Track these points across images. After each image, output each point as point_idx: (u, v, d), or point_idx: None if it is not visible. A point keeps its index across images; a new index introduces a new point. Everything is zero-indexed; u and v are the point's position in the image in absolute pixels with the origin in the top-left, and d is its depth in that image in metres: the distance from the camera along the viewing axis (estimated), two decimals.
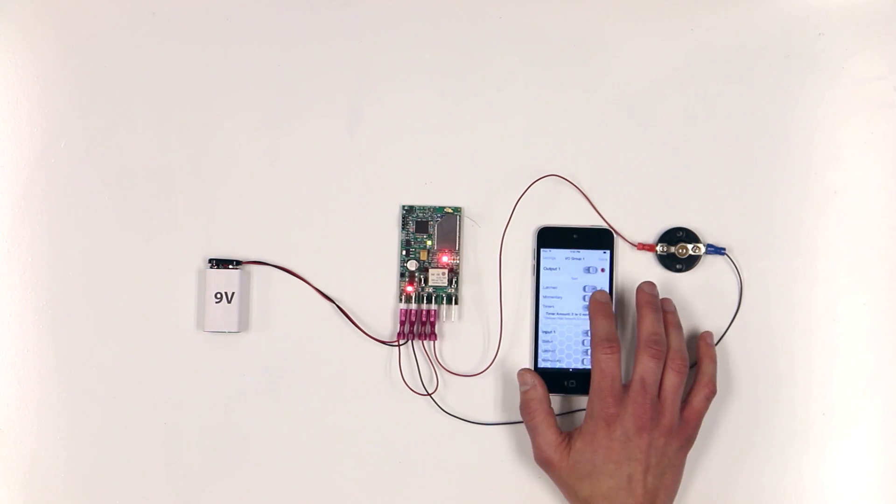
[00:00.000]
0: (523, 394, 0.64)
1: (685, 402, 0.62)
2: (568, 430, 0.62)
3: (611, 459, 0.60)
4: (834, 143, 0.68)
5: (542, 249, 0.66)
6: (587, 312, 0.65)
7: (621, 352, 0.62)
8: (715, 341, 0.66)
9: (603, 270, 0.66)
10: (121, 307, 0.67)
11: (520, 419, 0.66)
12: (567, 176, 0.67)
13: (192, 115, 0.68)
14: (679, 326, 0.64)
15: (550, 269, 0.66)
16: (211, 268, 0.66)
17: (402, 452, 0.67)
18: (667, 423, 0.61)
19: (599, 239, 0.66)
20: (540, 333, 0.65)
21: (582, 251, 0.66)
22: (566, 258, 0.66)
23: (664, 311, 0.65)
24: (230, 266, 0.66)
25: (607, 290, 0.66)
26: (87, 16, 0.68)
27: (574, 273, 0.66)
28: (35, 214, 0.67)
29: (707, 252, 0.66)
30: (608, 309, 0.64)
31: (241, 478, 0.67)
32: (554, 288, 0.66)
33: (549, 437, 0.62)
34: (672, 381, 0.62)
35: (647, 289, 0.65)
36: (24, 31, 0.68)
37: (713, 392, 0.63)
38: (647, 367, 0.61)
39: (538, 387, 0.64)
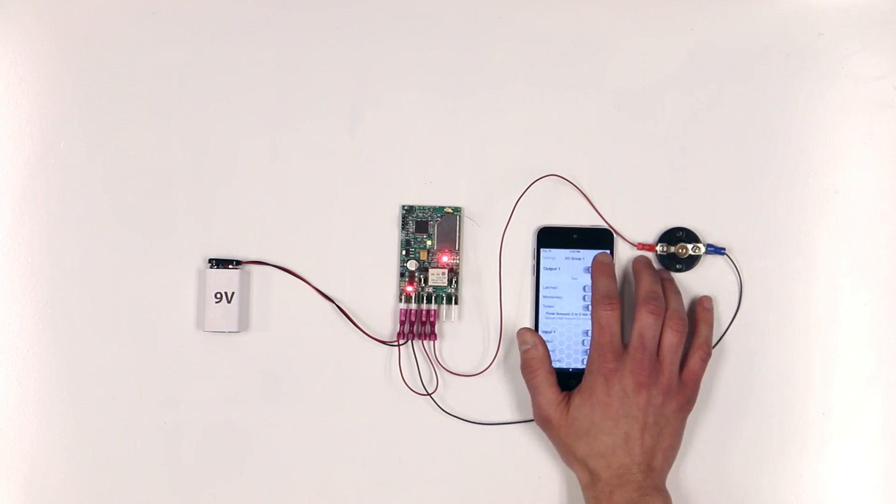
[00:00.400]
0: (524, 353, 0.64)
1: (682, 365, 0.63)
2: (568, 391, 0.63)
3: (608, 416, 0.60)
4: (834, 143, 0.68)
5: (541, 249, 0.66)
6: (587, 312, 0.65)
7: (622, 311, 0.62)
8: (715, 341, 0.66)
9: None
10: (121, 307, 0.67)
11: (520, 419, 0.66)
12: (567, 176, 0.67)
13: (192, 115, 0.68)
14: (677, 291, 0.65)
15: (550, 269, 0.66)
16: (211, 268, 0.66)
17: (402, 452, 0.67)
18: (665, 382, 0.61)
19: (599, 239, 0.66)
20: (540, 334, 0.65)
21: (582, 251, 0.66)
22: (566, 258, 0.66)
23: (662, 277, 0.65)
24: (230, 266, 0.66)
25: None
26: (87, 15, 0.68)
27: (574, 273, 0.66)
28: (35, 214, 0.67)
29: (707, 252, 0.66)
30: (610, 269, 0.64)
31: (241, 478, 0.67)
32: (554, 288, 0.66)
33: (550, 395, 0.62)
34: (670, 339, 0.62)
35: (642, 258, 0.66)
36: (24, 31, 0.68)
37: (708, 354, 0.63)
38: (645, 322, 0.61)
39: (539, 345, 0.64)
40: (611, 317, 0.62)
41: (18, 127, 0.67)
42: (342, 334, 0.67)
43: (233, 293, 0.65)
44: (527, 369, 0.64)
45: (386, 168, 0.68)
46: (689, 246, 0.66)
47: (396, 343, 0.66)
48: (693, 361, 0.63)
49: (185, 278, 0.67)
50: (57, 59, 0.68)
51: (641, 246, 0.66)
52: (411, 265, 0.67)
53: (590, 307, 0.65)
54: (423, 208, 0.67)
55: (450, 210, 0.67)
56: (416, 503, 0.67)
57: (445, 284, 0.67)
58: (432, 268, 0.67)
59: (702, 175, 0.68)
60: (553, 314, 0.66)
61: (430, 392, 0.67)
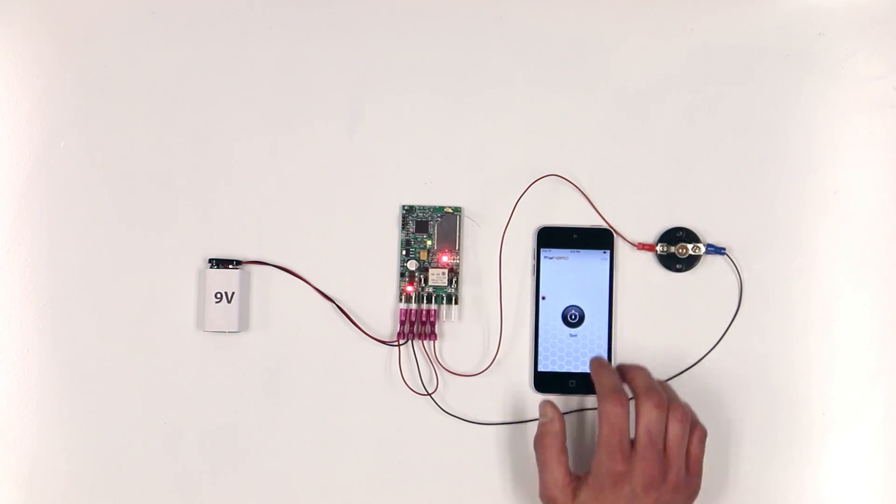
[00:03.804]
0: (541, 426, 0.62)
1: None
2: (577, 473, 0.61)
3: None
4: (834, 143, 0.68)
5: (542, 249, 0.66)
6: (587, 314, 0.65)
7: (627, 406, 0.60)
8: (715, 342, 0.66)
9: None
10: (121, 307, 0.67)
11: (520, 419, 0.66)
12: (567, 176, 0.67)
13: (192, 115, 0.68)
14: (662, 383, 0.63)
15: (550, 269, 0.66)
16: (211, 268, 0.66)
17: (402, 452, 0.67)
18: (674, 479, 0.59)
19: (599, 239, 0.66)
20: (540, 335, 0.65)
21: (582, 251, 0.66)
22: (567, 258, 0.66)
23: (639, 368, 0.63)
24: (230, 266, 0.66)
25: (607, 288, 0.66)
26: (87, 16, 0.68)
27: (574, 273, 0.66)
28: (35, 214, 0.67)
29: (707, 252, 0.66)
30: (610, 366, 0.63)
31: (241, 477, 0.67)
32: (554, 288, 0.66)
33: (559, 475, 0.60)
34: (676, 431, 0.59)
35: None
36: (25, 31, 0.68)
37: (704, 432, 0.61)
38: (651, 418, 0.59)
39: (556, 422, 0.62)
40: (621, 414, 0.59)
41: (18, 127, 0.67)
42: (342, 334, 0.67)
43: (233, 293, 0.66)
44: (540, 443, 0.62)
45: (386, 168, 0.68)
46: (689, 246, 0.66)
47: (396, 343, 0.66)
48: (694, 447, 0.61)
49: (185, 278, 0.67)
50: (57, 59, 0.68)
51: (641, 246, 0.66)
52: (411, 265, 0.67)
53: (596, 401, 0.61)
54: (423, 208, 0.67)
55: (450, 210, 0.67)
56: (416, 503, 0.67)
57: (445, 284, 0.67)
58: (432, 268, 0.67)
59: (702, 175, 0.68)
60: (552, 315, 0.66)
61: (430, 392, 0.67)
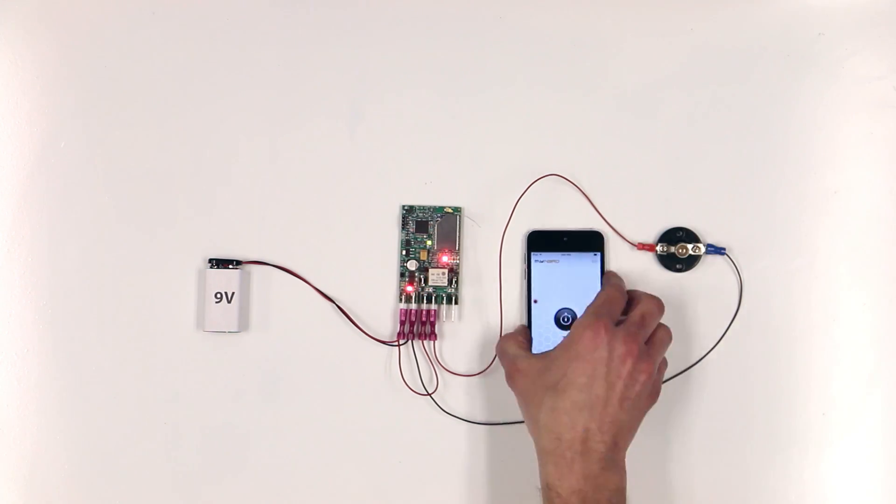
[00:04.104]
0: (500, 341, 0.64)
1: None
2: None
3: (584, 373, 0.56)
4: (834, 143, 0.68)
5: (532, 253, 0.66)
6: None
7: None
8: (715, 342, 0.66)
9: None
10: (121, 307, 0.67)
11: (520, 419, 0.66)
12: (567, 176, 0.67)
13: (192, 115, 0.68)
14: None
15: (541, 272, 0.66)
16: (211, 268, 0.66)
17: (403, 452, 0.67)
18: (649, 366, 0.57)
19: (589, 241, 0.66)
20: (534, 339, 0.65)
21: (573, 254, 0.66)
22: (557, 262, 0.66)
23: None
24: (230, 266, 0.66)
25: (598, 290, 0.65)
26: (87, 16, 0.68)
27: (565, 276, 0.66)
28: (35, 214, 0.67)
29: (707, 252, 0.66)
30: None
31: (241, 477, 0.67)
32: (545, 291, 0.66)
33: (520, 351, 0.61)
34: (663, 336, 0.60)
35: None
36: (25, 31, 0.68)
37: (666, 363, 0.61)
38: (650, 308, 0.60)
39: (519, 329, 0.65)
40: (620, 289, 0.60)
41: (18, 127, 0.67)
42: (342, 334, 0.67)
43: (233, 293, 0.66)
44: (501, 342, 0.63)
45: (386, 168, 0.68)
46: (689, 246, 0.66)
47: (396, 343, 0.66)
48: (658, 342, 0.60)
49: (185, 278, 0.67)
50: (57, 59, 0.68)
51: (641, 246, 0.66)
52: (411, 265, 0.67)
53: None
54: (423, 208, 0.67)
55: (450, 210, 0.67)
56: (416, 503, 0.67)
57: (445, 284, 0.67)
58: (432, 268, 0.67)
59: (702, 175, 0.68)
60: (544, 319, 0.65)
61: (430, 392, 0.67)
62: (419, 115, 0.68)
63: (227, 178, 0.67)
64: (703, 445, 0.67)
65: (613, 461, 0.56)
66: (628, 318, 0.59)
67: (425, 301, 0.67)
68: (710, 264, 0.67)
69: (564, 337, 0.59)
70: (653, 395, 0.60)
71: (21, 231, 0.67)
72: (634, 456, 0.67)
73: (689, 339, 0.67)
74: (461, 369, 0.67)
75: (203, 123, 0.68)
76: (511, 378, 0.61)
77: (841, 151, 0.68)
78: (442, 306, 0.67)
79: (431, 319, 0.67)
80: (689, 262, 0.67)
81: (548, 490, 0.56)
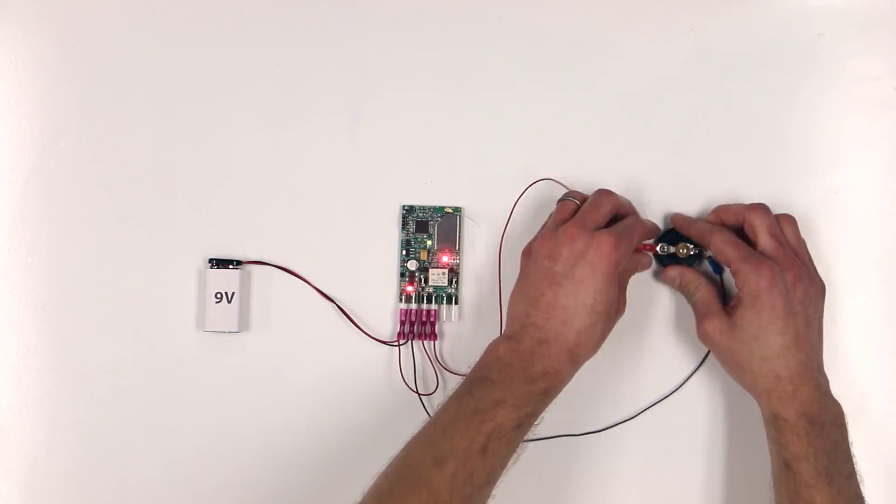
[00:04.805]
0: (689, 293, 0.65)
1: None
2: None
3: (776, 317, 0.59)
4: (834, 143, 0.68)
5: None
6: None
7: None
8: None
9: None
10: (121, 307, 0.67)
11: None
12: (567, 175, 0.67)
13: (192, 115, 0.68)
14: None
15: None
16: (211, 268, 0.66)
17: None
18: (810, 272, 0.61)
19: None
20: None
21: None
22: None
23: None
24: (230, 266, 0.66)
25: None
26: (87, 16, 0.68)
27: None
28: (35, 214, 0.67)
29: (710, 264, 0.66)
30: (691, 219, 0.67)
31: (241, 477, 0.67)
32: None
33: (716, 307, 0.62)
34: (791, 232, 0.63)
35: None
36: (25, 31, 0.68)
37: (791, 217, 0.63)
38: (767, 221, 0.62)
39: (700, 279, 0.65)
40: (731, 235, 0.62)
41: (18, 127, 0.67)
42: (342, 334, 0.67)
43: (233, 293, 0.66)
44: (696, 299, 0.64)
45: (386, 168, 0.68)
46: (691, 246, 0.66)
47: (396, 343, 0.66)
48: (791, 236, 0.63)
49: (185, 278, 0.67)
50: (57, 59, 0.68)
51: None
52: (411, 265, 0.67)
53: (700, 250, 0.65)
54: (423, 208, 0.67)
55: (450, 210, 0.67)
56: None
57: (445, 284, 0.67)
58: (432, 268, 0.67)
59: (701, 175, 0.68)
60: None
61: (430, 392, 0.67)
62: (419, 115, 0.68)
63: (227, 178, 0.67)
64: (702, 445, 0.67)
65: (825, 385, 0.60)
66: (765, 247, 0.61)
67: (425, 301, 0.67)
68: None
69: (740, 292, 0.60)
70: (822, 293, 0.62)
71: (21, 231, 0.67)
72: (635, 455, 0.67)
73: (689, 340, 0.67)
74: (461, 369, 0.67)
75: (203, 123, 0.68)
76: (707, 337, 0.63)
77: (841, 151, 0.68)
78: (442, 306, 0.67)
79: (431, 319, 0.67)
80: (689, 262, 0.67)
81: (775, 419, 0.59)
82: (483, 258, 0.67)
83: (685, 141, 0.68)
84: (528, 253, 0.62)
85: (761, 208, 0.62)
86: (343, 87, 0.68)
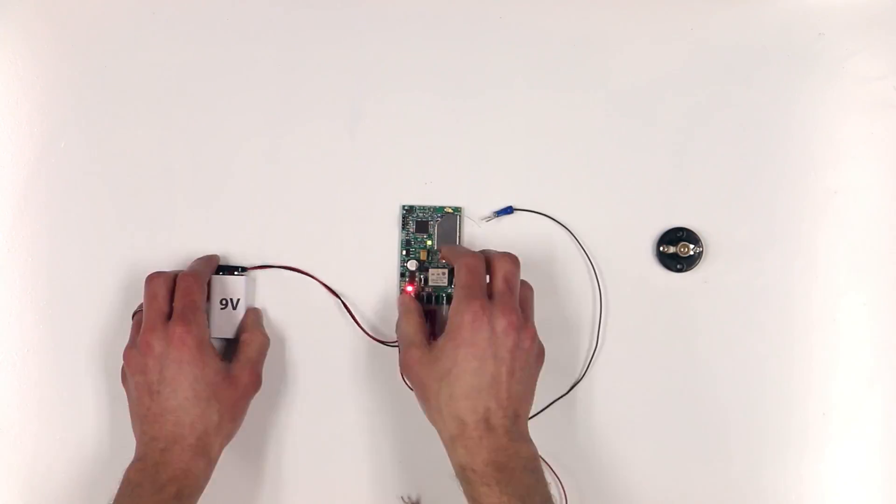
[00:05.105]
0: (400, 314, 0.64)
1: None
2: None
3: (474, 356, 0.56)
4: (834, 143, 0.68)
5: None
6: None
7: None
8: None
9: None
10: (121, 309, 0.67)
11: None
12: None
13: (192, 115, 0.68)
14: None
15: None
16: (216, 274, 0.66)
17: (402, 452, 0.67)
18: (531, 329, 0.58)
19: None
20: None
21: None
22: None
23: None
24: (236, 272, 0.66)
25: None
26: (87, 16, 0.68)
27: None
28: (35, 214, 0.67)
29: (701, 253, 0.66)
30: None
31: (241, 478, 0.67)
32: None
33: (414, 334, 0.61)
34: (528, 294, 0.61)
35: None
36: (25, 31, 0.68)
37: (527, 283, 0.61)
38: (507, 268, 0.59)
39: (412, 302, 0.64)
40: (478, 261, 0.59)
41: (18, 127, 0.67)
42: (342, 334, 0.67)
43: (238, 300, 0.66)
44: (400, 322, 0.63)
45: (386, 168, 0.68)
46: (691, 246, 0.66)
47: (397, 344, 0.66)
48: (522, 290, 0.61)
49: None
50: (57, 59, 0.68)
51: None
52: (411, 265, 0.67)
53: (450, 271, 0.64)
54: (423, 208, 0.67)
55: (450, 210, 0.67)
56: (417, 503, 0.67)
57: (445, 284, 0.67)
58: (432, 268, 0.67)
59: (702, 175, 0.68)
60: None
61: None
62: (419, 116, 0.68)
63: (227, 179, 0.67)
64: (702, 445, 0.67)
65: (519, 432, 0.57)
66: (494, 287, 0.59)
67: (425, 301, 0.67)
68: (710, 264, 0.67)
69: (448, 325, 0.58)
70: (540, 356, 0.60)
71: (21, 231, 0.67)
72: (636, 455, 0.67)
73: (690, 340, 0.67)
74: None
75: (203, 124, 0.68)
76: (407, 368, 0.61)
77: (841, 151, 0.68)
78: (442, 306, 0.67)
79: (431, 319, 0.66)
80: (689, 262, 0.67)
81: (462, 470, 0.56)
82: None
83: (685, 141, 0.68)
84: (123, 377, 0.62)
85: (510, 257, 0.60)
86: (343, 88, 0.68)
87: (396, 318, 0.65)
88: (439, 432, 0.59)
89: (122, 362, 0.62)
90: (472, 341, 0.57)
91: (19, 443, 0.67)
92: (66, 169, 0.67)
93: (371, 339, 0.66)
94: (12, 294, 0.67)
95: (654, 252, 0.67)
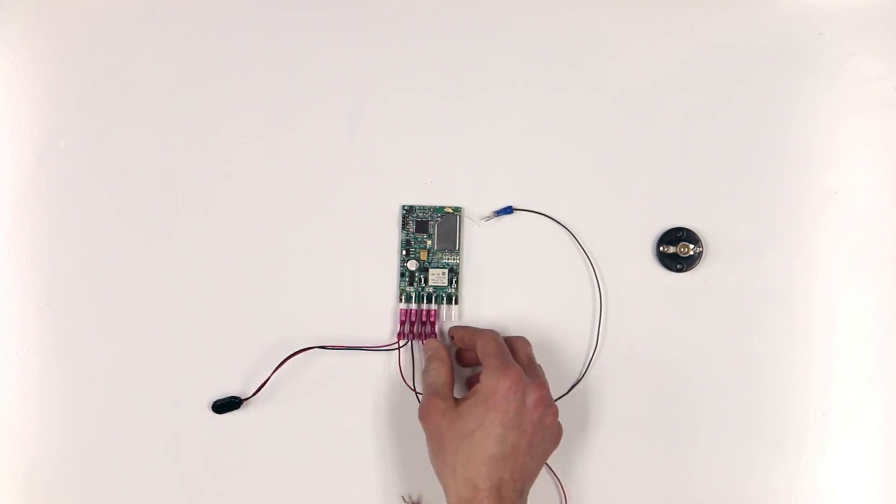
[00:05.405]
0: (428, 357, 0.64)
1: None
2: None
3: (501, 423, 0.56)
4: (834, 143, 0.68)
5: None
6: None
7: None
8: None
9: None
10: (121, 307, 0.67)
11: None
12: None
13: (192, 115, 0.68)
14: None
15: None
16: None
17: (402, 452, 0.67)
18: (555, 408, 0.60)
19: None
20: None
21: None
22: None
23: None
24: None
25: None
26: (87, 16, 0.68)
27: None
28: (35, 214, 0.67)
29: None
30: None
31: (241, 478, 0.67)
32: None
33: (445, 387, 0.61)
34: (543, 374, 0.62)
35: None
36: (24, 31, 0.68)
37: (529, 343, 0.63)
38: (527, 348, 0.62)
39: (442, 350, 0.64)
40: (500, 338, 0.61)
41: (18, 127, 0.67)
42: (343, 335, 0.67)
43: None
44: (427, 369, 0.63)
45: (386, 168, 0.68)
46: (691, 246, 0.66)
47: (397, 346, 0.66)
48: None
49: (185, 278, 0.67)
50: (57, 58, 0.68)
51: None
52: (411, 265, 0.67)
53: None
54: (423, 208, 0.67)
55: (450, 210, 0.67)
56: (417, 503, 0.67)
57: (445, 284, 0.67)
58: (432, 268, 0.67)
59: (702, 175, 0.68)
60: None
61: None
62: (419, 115, 0.68)
63: (227, 178, 0.67)
64: (702, 445, 0.67)
65: None
66: (520, 363, 0.60)
67: (425, 301, 0.67)
68: (710, 264, 0.67)
69: (479, 385, 0.59)
70: (558, 437, 0.61)
71: (21, 231, 0.67)
72: (636, 454, 0.67)
73: (690, 340, 0.67)
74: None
75: (203, 123, 0.68)
76: (427, 417, 0.60)
77: (841, 151, 0.68)
78: (442, 306, 0.67)
79: (431, 319, 0.67)
80: (689, 262, 0.67)
81: None
82: (483, 258, 0.67)
83: (685, 141, 0.68)
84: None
85: (525, 339, 0.63)
86: (343, 88, 0.68)
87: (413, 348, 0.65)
88: (446, 489, 0.58)
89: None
90: (504, 409, 0.57)
91: (19, 443, 0.67)
92: (66, 169, 0.67)
93: (370, 348, 0.66)
94: (12, 294, 0.67)
95: (654, 252, 0.67)
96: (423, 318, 0.67)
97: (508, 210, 0.66)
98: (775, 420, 0.67)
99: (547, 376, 0.61)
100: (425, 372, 0.63)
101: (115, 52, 0.68)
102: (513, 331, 0.66)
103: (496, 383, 0.58)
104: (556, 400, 0.67)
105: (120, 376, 0.67)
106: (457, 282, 0.67)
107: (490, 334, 0.62)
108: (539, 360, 0.63)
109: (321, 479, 0.67)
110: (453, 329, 0.65)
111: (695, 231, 0.67)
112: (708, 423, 0.67)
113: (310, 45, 0.68)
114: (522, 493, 0.57)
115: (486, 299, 0.67)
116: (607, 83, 0.68)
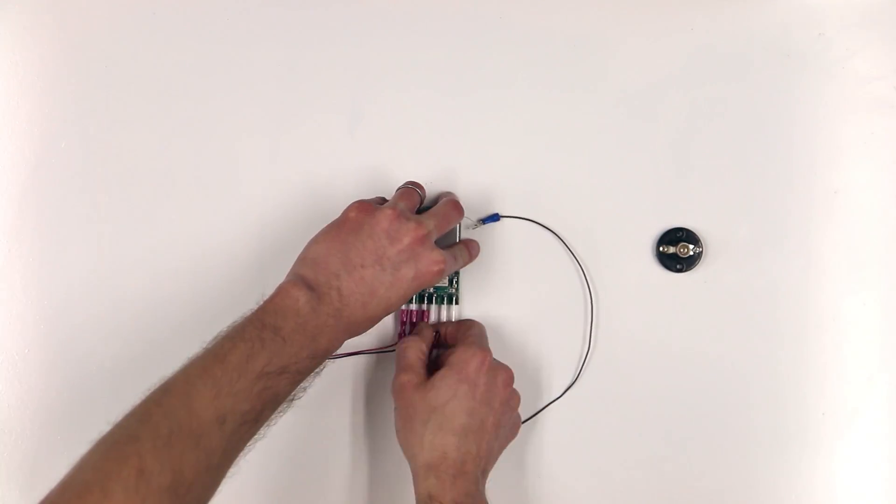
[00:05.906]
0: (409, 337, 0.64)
1: None
2: None
3: (473, 397, 0.58)
4: (834, 143, 0.68)
5: None
6: None
7: None
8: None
9: None
10: (121, 307, 0.67)
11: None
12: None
13: (192, 115, 0.68)
14: None
15: None
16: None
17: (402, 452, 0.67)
18: (518, 395, 0.62)
19: None
20: None
21: None
22: None
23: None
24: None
25: None
26: (88, 16, 0.68)
27: None
28: (35, 214, 0.67)
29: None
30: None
31: (240, 478, 0.67)
32: None
33: (418, 363, 0.61)
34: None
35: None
36: (24, 31, 0.68)
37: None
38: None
39: (426, 330, 0.64)
40: (484, 329, 0.64)
41: (18, 127, 0.67)
42: None
43: None
44: (405, 344, 0.62)
45: (386, 168, 0.68)
46: (691, 246, 0.66)
47: (395, 348, 0.66)
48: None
49: (185, 278, 0.67)
50: (57, 59, 0.68)
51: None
52: None
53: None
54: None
55: None
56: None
57: (445, 284, 0.67)
58: None
59: (702, 175, 0.68)
60: None
61: None
62: (419, 115, 0.68)
63: (227, 178, 0.67)
64: (702, 445, 0.67)
65: (482, 488, 0.58)
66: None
67: (425, 301, 0.67)
68: (710, 264, 0.67)
69: (453, 358, 0.59)
70: (516, 426, 0.63)
71: (21, 231, 0.67)
72: (636, 455, 0.67)
73: (690, 340, 0.67)
74: None
75: (203, 123, 0.68)
76: (399, 390, 0.60)
77: (841, 151, 0.68)
78: (442, 306, 0.67)
79: (424, 319, 0.66)
80: (689, 262, 0.67)
81: (429, 500, 0.56)
82: (483, 258, 0.67)
83: (685, 141, 0.68)
84: (368, 210, 0.58)
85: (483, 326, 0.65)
86: (343, 87, 0.68)
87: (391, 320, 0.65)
88: (411, 458, 0.59)
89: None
90: (475, 381, 0.58)
91: (19, 443, 0.67)
92: (66, 169, 0.67)
93: (371, 352, 0.66)
94: (12, 294, 0.67)
95: (654, 252, 0.67)
96: (415, 319, 0.66)
97: (495, 217, 0.67)
98: (775, 420, 0.67)
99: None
100: (402, 345, 0.63)
101: (115, 52, 0.68)
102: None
103: (469, 356, 0.59)
104: (552, 402, 0.67)
105: (120, 376, 0.67)
106: (457, 282, 0.67)
107: (479, 327, 0.64)
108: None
109: (321, 480, 0.67)
110: (442, 325, 0.66)
111: (695, 231, 0.67)
112: (707, 424, 0.67)
113: (310, 45, 0.68)
114: (485, 472, 0.59)
115: (487, 299, 0.67)
116: (607, 83, 0.68)
